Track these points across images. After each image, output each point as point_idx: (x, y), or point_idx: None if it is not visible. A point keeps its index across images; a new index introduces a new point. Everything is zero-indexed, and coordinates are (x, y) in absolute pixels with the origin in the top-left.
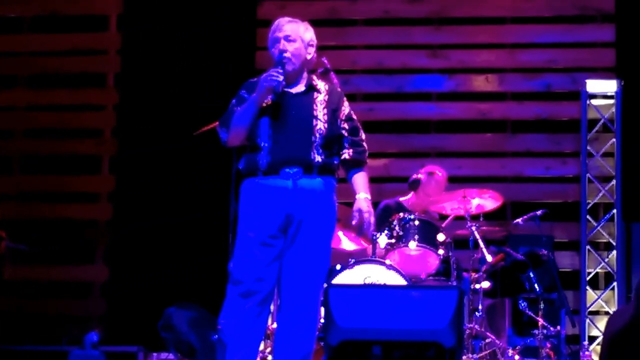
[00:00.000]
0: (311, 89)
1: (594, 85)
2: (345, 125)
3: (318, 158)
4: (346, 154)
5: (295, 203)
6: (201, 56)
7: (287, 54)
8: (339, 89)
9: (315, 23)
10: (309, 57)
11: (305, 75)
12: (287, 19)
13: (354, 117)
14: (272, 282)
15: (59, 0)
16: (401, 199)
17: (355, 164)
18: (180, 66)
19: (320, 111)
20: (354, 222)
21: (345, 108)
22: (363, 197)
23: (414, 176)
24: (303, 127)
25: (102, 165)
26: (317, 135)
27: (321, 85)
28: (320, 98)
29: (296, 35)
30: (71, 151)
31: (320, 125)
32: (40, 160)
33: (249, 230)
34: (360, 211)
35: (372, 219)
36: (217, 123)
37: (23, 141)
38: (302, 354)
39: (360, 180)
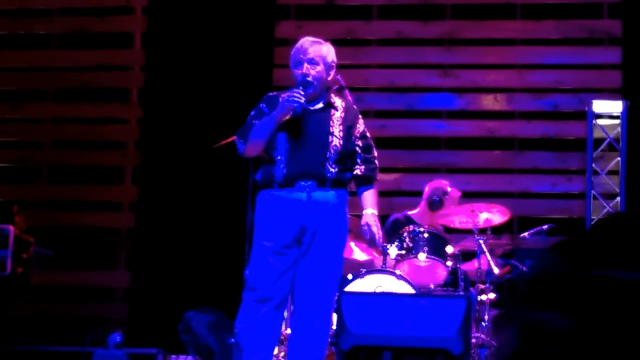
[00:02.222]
0: (329, 106)
1: (600, 105)
2: (360, 143)
3: (332, 172)
4: (358, 170)
5: (309, 214)
6: (220, 73)
7: (309, 78)
8: (354, 107)
9: (331, 42)
10: (329, 78)
11: (323, 93)
12: (310, 39)
13: (368, 134)
14: (286, 289)
15: (86, 18)
16: (410, 212)
17: (366, 181)
18: (200, 83)
19: (337, 127)
20: (367, 237)
21: (360, 126)
22: (370, 213)
23: (434, 197)
24: (319, 142)
25: (125, 176)
26: (332, 150)
27: (338, 102)
28: (337, 115)
29: (319, 59)
30: (96, 162)
31: (336, 141)
32: (67, 170)
33: (265, 239)
34: (368, 225)
35: (381, 232)
36: (237, 134)
37: (50, 152)
38: (315, 359)
39: (369, 196)
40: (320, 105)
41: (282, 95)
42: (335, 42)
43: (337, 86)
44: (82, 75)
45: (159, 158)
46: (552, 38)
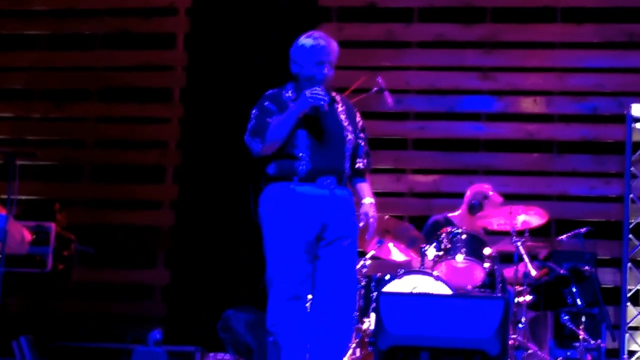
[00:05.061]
0: (333, 101)
1: (639, 109)
2: (362, 135)
3: (347, 168)
4: (360, 163)
5: (331, 211)
6: (261, 74)
7: (329, 78)
8: (345, 97)
9: (371, 45)
10: None
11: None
12: (331, 40)
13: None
14: (310, 286)
15: (130, 19)
16: (450, 214)
17: (364, 173)
18: (241, 83)
19: (345, 121)
20: (360, 225)
21: (360, 119)
22: (369, 202)
23: (473, 201)
24: (338, 138)
25: (166, 175)
26: (348, 145)
27: (335, 96)
28: (340, 109)
29: (335, 61)
30: (137, 161)
31: (350, 136)
32: (109, 169)
33: (290, 236)
34: (366, 215)
35: (376, 224)
36: (247, 133)
37: (93, 151)
38: (340, 352)
39: (366, 186)
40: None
41: (305, 92)
42: (376, 44)
43: (377, 88)
44: (126, 75)
45: (199, 157)
46: (591, 42)
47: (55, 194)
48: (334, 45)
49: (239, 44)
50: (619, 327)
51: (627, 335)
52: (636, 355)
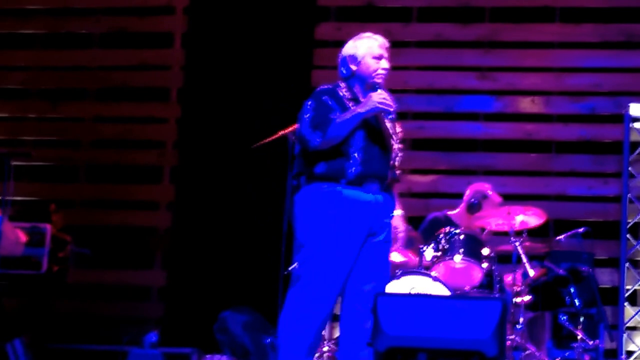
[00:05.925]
0: None
1: (637, 108)
2: (401, 146)
3: (390, 175)
4: (396, 173)
5: (375, 217)
6: (259, 74)
7: (386, 74)
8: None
9: None
10: None
11: None
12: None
13: None
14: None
15: (127, 18)
16: (449, 213)
17: (394, 183)
18: (239, 83)
19: (392, 129)
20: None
21: (401, 130)
22: (399, 215)
23: (472, 200)
24: (387, 144)
25: (163, 175)
26: (394, 154)
27: None
28: (390, 116)
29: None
30: (134, 161)
31: (395, 145)
32: (105, 169)
33: (334, 238)
34: (396, 228)
35: (405, 237)
36: (306, 125)
37: (89, 151)
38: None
39: (394, 197)
40: None
41: (373, 96)
42: None
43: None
44: (122, 75)
45: (196, 158)
46: (590, 41)
47: (51, 195)
48: (386, 42)
49: (236, 43)
50: (617, 328)
51: (624, 335)
52: (634, 356)
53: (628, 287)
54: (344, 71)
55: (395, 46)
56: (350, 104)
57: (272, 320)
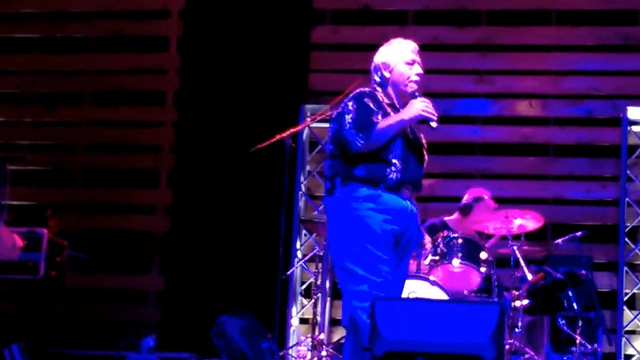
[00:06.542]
0: None
1: (634, 112)
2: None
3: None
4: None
5: (409, 223)
6: (256, 77)
7: (420, 80)
8: None
9: (365, 48)
10: None
11: None
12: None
13: None
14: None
15: (123, 22)
16: (446, 218)
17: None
18: (235, 86)
19: (423, 139)
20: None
21: (425, 140)
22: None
23: (465, 202)
24: (420, 153)
25: (160, 179)
26: (425, 162)
27: None
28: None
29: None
30: (131, 165)
31: (426, 155)
32: (102, 173)
33: (375, 242)
34: (424, 237)
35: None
36: (349, 126)
37: (86, 155)
38: None
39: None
40: None
41: (416, 104)
42: (370, 47)
43: None
44: (119, 79)
45: (193, 161)
46: (587, 45)
47: (48, 200)
48: (417, 46)
49: (232, 46)
50: (616, 331)
51: (623, 339)
52: None
53: (627, 290)
54: (378, 79)
55: None
56: (388, 109)
57: (269, 325)
